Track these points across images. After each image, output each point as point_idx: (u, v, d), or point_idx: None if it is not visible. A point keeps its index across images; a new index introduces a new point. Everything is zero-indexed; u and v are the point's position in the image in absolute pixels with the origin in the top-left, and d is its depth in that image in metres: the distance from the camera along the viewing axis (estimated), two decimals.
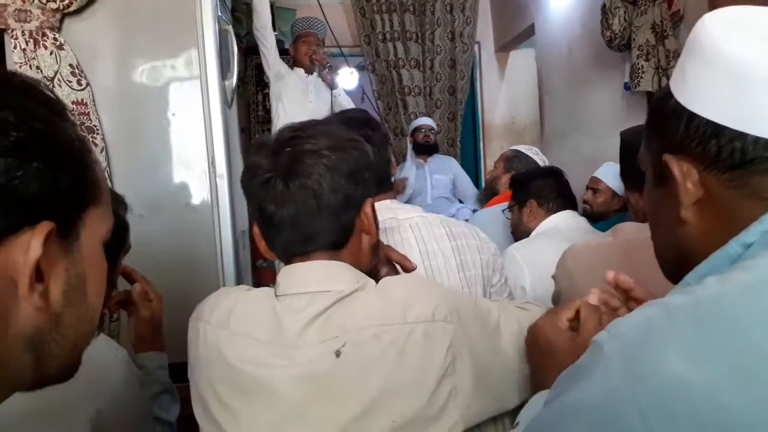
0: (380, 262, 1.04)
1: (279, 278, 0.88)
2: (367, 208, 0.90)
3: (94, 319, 0.52)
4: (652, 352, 0.51)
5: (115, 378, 0.98)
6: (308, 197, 0.83)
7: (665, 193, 0.63)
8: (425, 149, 3.98)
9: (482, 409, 0.86)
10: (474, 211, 3.38)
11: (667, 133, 0.62)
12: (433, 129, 4.03)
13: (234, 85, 2.17)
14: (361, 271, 0.91)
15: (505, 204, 2.20)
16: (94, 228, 0.50)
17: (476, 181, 4.83)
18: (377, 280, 0.89)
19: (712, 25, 0.59)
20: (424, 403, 0.79)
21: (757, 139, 0.55)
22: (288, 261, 0.89)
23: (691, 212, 0.61)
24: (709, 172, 0.59)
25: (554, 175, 2.08)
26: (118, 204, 1.14)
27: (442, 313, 0.83)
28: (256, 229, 0.91)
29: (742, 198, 0.57)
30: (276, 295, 0.87)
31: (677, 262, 0.65)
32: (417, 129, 4.02)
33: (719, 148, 0.57)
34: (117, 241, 1.13)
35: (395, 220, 1.22)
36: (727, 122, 0.56)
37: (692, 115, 0.59)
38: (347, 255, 0.89)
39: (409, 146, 4.09)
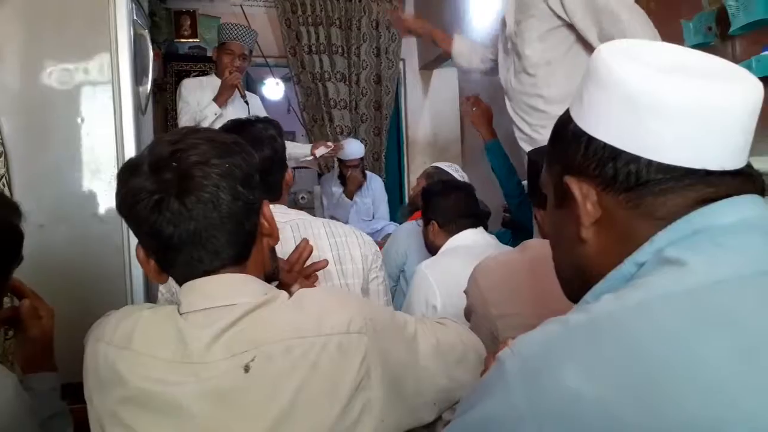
0: (301, 280, 1.03)
1: (181, 296, 0.84)
2: (266, 210, 0.88)
3: None
4: (550, 368, 0.52)
5: (1, 409, 0.90)
6: (208, 211, 0.80)
7: (566, 214, 0.66)
8: None
9: (397, 422, 0.85)
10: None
11: (567, 155, 0.64)
12: (361, 159, 3.92)
13: (148, 91, 2.10)
14: (264, 276, 0.89)
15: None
16: None
17: (400, 194, 4.89)
18: (282, 287, 0.88)
19: (608, 54, 0.62)
20: (336, 416, 0.78)
21: (650, 162, 0.58)
22: (188, 280, 0.85)
23: (590, 232, 0.63)
24: (607, 193, 0.61)
25: (456, 191, 2.02)
26: (12, 212, 1.07)
27: (357, 325, 0.82)
28: (141, 254, 0.86)
29: (637, 218, 0.60)
30: (180, 313, 0.83)
31: (577, 281, 0.67)
32: (343, 162, 3.87)
33: (616, 171, 0.60)
34: (9, 253, 1.05)
35: (277, 222, 1.25)
36: (622, 146, 0.59)
37: (591, 139, 0.61)
38: (252, 264, 0.87)
39: (335, 169, 4.01)
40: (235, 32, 3.10)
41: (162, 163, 0.80)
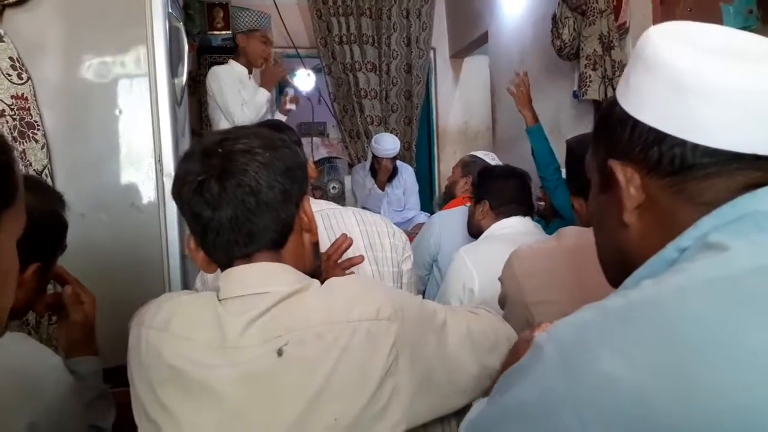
0: (338, 271, 1.04)
1: (220, 282, 0.87)
2: (306, 206, 0.91)
3: (1, 320, 0.50)
4: (586, 352, 0.52)
5: (48, 388, 0.94)
6: (246, 195, 0.82)
7: (609, 198, 0.65)
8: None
9: (426, 408, 0.86)
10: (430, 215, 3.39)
11: (612, 139, 0.64)
12: (395, 157, 3.91)
13: (183, 84, 2.13)
14: (305, 271, 0.91)
15: (463, 207, 2.22)
16: (9, 228, 0.48)
17: (430, 184, 4.88)
18: (322, 276, 0.90)
19: (656, 36, 0.61)
20: (366, 401, 0.79)
21: (695, 146, 0.57)
22: (229, 265, 0.88)
23: (633, 216, 0.62)
24: (651, 178, 0.60)
25: (515, 178, 2.02)
26: (56, 202, 1.10)
27: (386, 312, 0.83)
28: (192, 244, 0.90)
29: (680, 203, 0.59)
30: (218, 299, 0.86)
31: (619, 266, 0.66)
32: (376, 157, 3.86)
33: (661, 155, 0.59)
34: (54, 242, 1.09)
35: None
36: (668, 129, 0.58)
37: (636, 122, 0.60)
38: (288, 255, 0.89)
39: (369, 159, 4.01)
40: (264, 19, 3.23)
41: (211, 150, 0.85)
